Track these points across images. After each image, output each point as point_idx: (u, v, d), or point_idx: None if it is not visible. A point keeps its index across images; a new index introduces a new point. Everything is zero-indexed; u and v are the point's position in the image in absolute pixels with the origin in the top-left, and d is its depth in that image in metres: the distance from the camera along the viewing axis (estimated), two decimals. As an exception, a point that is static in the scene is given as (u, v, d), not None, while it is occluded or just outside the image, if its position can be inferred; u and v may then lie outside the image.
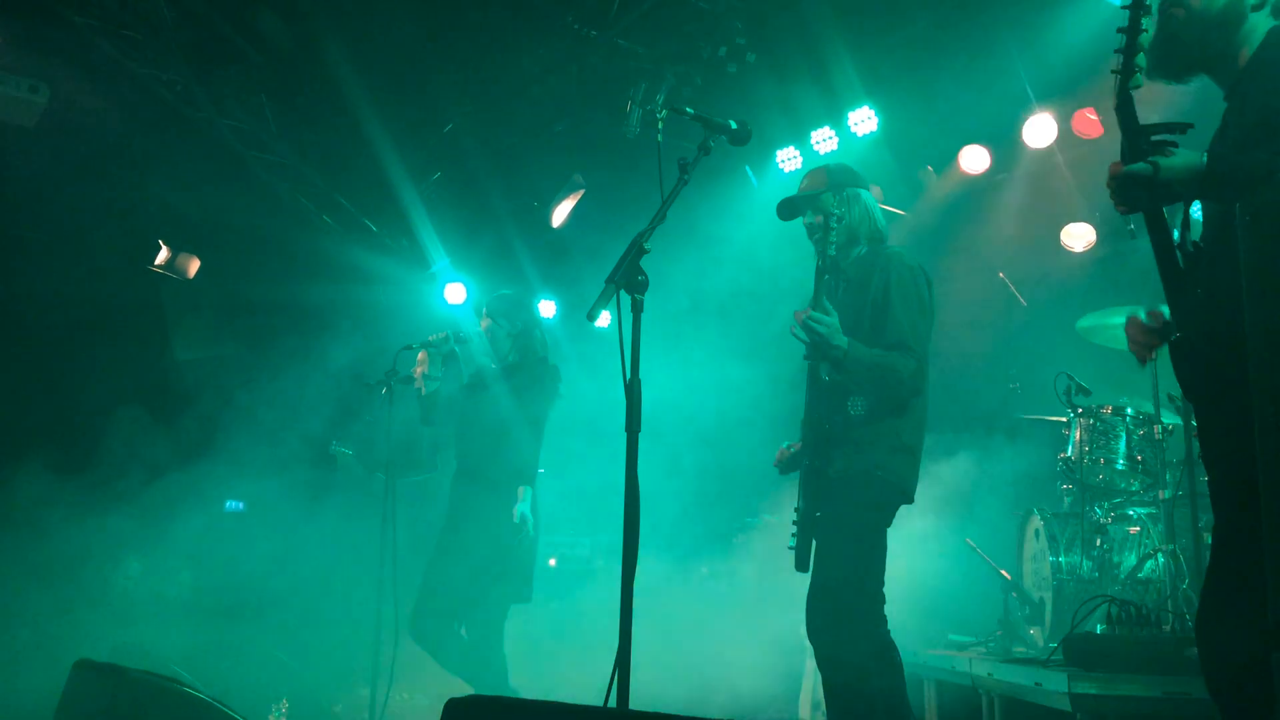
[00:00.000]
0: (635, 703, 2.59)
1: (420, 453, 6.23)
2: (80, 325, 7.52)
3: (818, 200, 3.76)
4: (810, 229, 3.82)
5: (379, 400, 5.37)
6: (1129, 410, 5.39)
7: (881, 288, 3.61)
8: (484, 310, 5.33)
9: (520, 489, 4.98)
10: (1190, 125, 2.39)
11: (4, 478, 6.40)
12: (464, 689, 4.78)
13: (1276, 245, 1.99)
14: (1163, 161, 2.33)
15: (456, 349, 5.28)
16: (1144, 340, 2.69)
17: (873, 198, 3.87)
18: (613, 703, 2.55)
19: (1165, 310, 2.60)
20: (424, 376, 5.18)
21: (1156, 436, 5.11)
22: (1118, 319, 5.39)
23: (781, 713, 5.86)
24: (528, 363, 5.21)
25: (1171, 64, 2.55)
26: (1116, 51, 2.38)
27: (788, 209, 3.87)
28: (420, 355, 5.30)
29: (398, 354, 5.35)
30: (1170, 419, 5.17)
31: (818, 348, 3.49)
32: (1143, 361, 2.72)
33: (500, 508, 4.94)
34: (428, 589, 4.98)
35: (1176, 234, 2.49)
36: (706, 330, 7.89)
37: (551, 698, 5.05)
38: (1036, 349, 6.41)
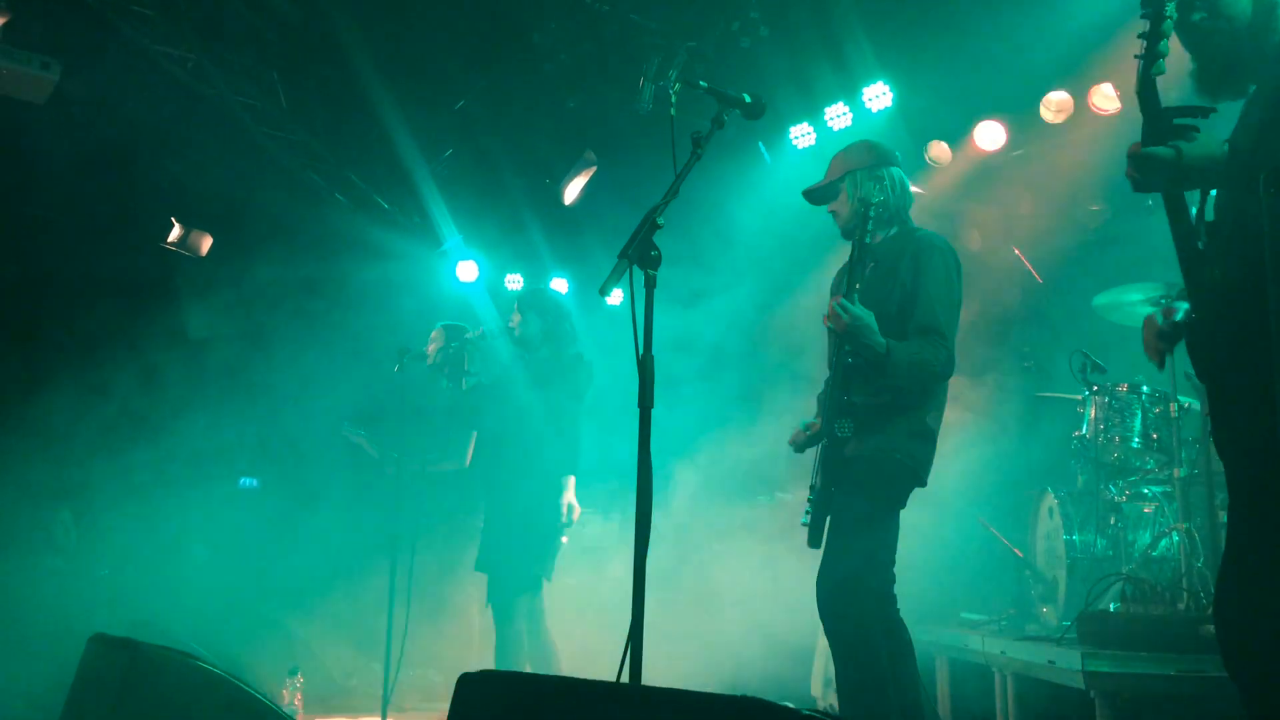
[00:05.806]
0: (647, 679, 2.59)
1: (456, 444, 6.29)
2: (93, 303, 7.53)
3: (853, 180, 3.68)
4: (837, 215, 3.75)
5: (391, 377, 5.44)
6: (1145, 388, 5.36)
7: (911, 271, 3.54)
8: (516, 304, 5.44)
9: (565, 479, 5.13)
10: (1213, 109, 2.35)
11: (18, 458, 6.45)
12: (471, 664, 4.82)
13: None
14: (1185, 147, 2.30)
15: (484, 343, 5.45)
16: (1158, 345, 2.66)
17: (904, 175, 3.79)
18: (625, 678, 2.55)
19: (1180, 306, 2.57)
20: (463, 372, 5.38)
21: (1172, 414, 5.07)
22: (1134, 296, 5.35)
23: (792, 690, 5.87)
24: (560, 356, 5.33)
25: (1232, 83, 2.47)
26: (1139, 36, 2.34)
27: (819, 194, 3.80)
28: (434, 334, 5.40)
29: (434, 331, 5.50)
30: (1186, 397, 5.14)
31: (852, 339, 3.43)
32: (1160, 365, 2.70)
33: (542, 495, 5.10)
34: (495, 573, 5.17)
35: (1194, 211, 2.45)
36: (717, 308, 7.85)
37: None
38: (1052, 326, 6.36)
